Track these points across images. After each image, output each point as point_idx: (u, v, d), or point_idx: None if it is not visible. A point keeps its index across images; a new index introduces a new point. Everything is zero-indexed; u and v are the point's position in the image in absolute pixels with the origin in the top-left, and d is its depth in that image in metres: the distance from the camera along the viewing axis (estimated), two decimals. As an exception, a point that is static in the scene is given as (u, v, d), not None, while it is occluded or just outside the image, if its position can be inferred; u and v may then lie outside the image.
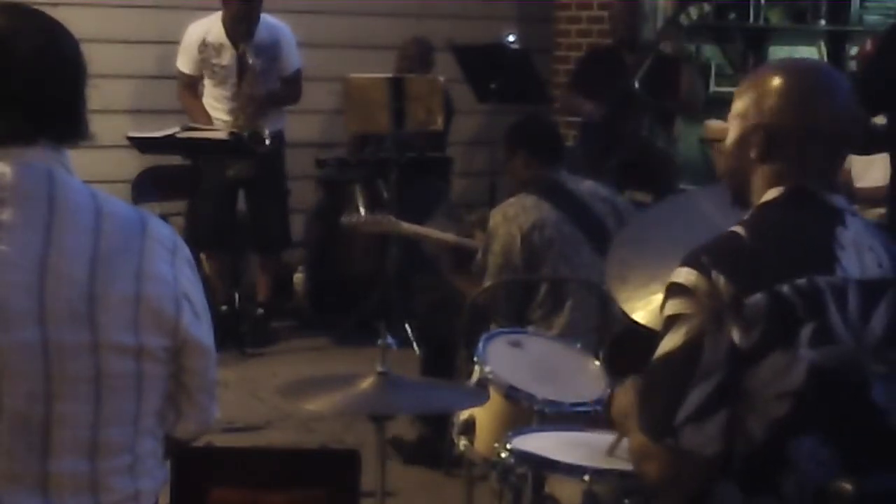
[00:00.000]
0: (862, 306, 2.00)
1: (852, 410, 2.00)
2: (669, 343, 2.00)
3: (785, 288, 1.96)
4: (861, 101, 2.31)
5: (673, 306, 2.01)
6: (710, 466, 1.98)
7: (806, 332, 1.96)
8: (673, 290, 2.02)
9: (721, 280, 1.96)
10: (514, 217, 4.14)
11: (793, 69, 2.19)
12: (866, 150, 4.76)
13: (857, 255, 2.04)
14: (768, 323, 1.94)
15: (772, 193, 2.10)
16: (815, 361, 1.96)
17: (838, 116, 2.10)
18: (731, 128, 2.17)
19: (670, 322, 2.01)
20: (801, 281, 1.97)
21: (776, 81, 2.11)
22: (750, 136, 2.11)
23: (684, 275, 2.01)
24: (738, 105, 2.15)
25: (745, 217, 2.11)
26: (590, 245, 4.05)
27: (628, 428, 2.23)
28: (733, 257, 2.00)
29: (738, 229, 2.06)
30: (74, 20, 2.07)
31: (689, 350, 1.97)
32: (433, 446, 4.42)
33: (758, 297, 1.95)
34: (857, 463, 1.98)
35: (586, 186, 4.31)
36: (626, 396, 2.32)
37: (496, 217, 4.20)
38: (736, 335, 1.94)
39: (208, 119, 6.19)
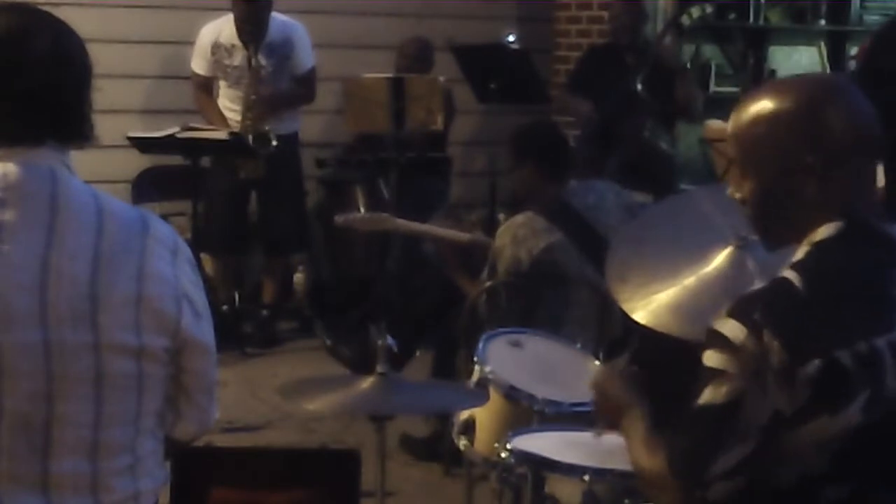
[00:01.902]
0: None
1: (892, 459, 1.90)
2: (709, 396, 1.86)
3: (844, 355, 1.80)
4: None
5: (715, 359, 1.85)
6: None
7: (860, 400, 1.82)
8: (717, 341, 1.86)
9: (774, 345, 1.80)
10: (523, 240, 4.05)
11: (814, 88, 1.97)
12: None
13: None
14: (820, 390, 1.80)
15: (826, 230, 1.91)
16: (863, 423, 1.83)
17: (870, 129, 1.94)
18: (750, 171, 1.96)
19: (711, 374, 1.86)
20: (862, 346, 1.81)
21: (812, 105, 1.91)
22: (795, 173, 1.91)
23: (732, 329, 1.84)
24: (761, 141, 1.94)
25: (800, 257, 1.91)
26: (593, 267, 3.99)
27: (617, 422, 2.19)
28: (789, 317, 1.83)
29: (793, 276, 1.87)
30: (75, 20, 2.07)
31: (730, 411, 1.83)
32: (445, 442, 4.39)
33: (812, 365, 1.79)
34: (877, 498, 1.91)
35: (593, 199, 4.18)
36: (615, 389, 2.24)
37: (504, 237, 4.10)
38: (781, 402, 1.81)
39: (223, 120, 6.19)
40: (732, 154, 2.00)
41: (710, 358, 1.87)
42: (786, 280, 1.87)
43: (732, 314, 1.86)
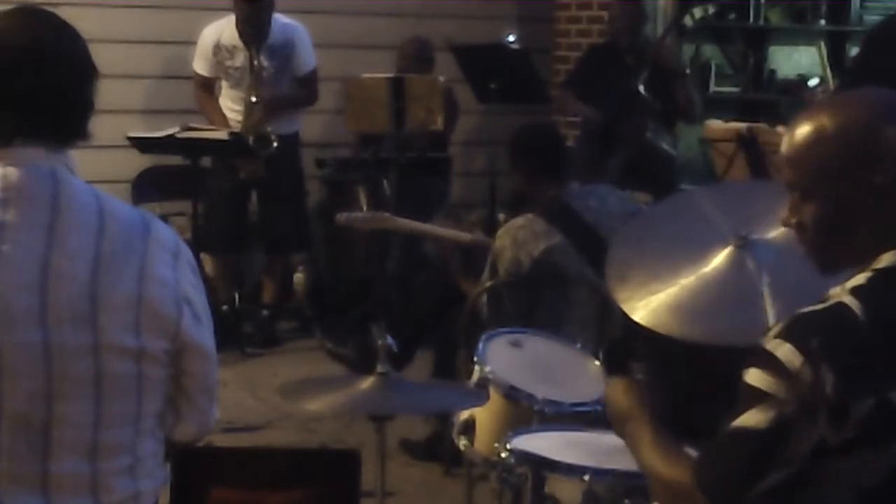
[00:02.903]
0: None
1: None
2: (753, 419, 1.79)
3: None
4: None
5: (763, 380, 1.78)
6: None
7: None
8: (766, 361, 1.79)
9: (829, 378, 1.74)
10: (523, 243, 4.04)
11: (872, 104, 1.90)
12: None
13: None
14: (867, 427, 1.76)
15: (891, 258, 1.84)
16: None
17: None
18: (813, 194, 1.89)
19: (756, 395, 1.79)
20: None
21: (875, 122, 1.85)
22: (862, 193, 1.84)
23: (787, 353, 1.77)
24: (824, 162, 1.87)
25: (861, 282, 1.83)
26: (593, 269, 3.98)
27: (627, 433, 2.18)
28: (847, 352, 1.76)
29: (853, 303, 1.79)
30: (75, 20, 2.06)
31: (775, 436, 1.78)
32: (445, 442, 4.39)
33: (866, 403, 1.75)
34: None
35: (595, 202, 4.17)
36: (621, 397, 2.23)
37: (504, 238, 4.09)
38: (828, 433, 1.76)
39: (224, 120, 6.19)
40: (789, 178, 1.93)
41: (757, 378, 1.80)
42: (846, 307, 1.80)
43: (788, 337, 1.79)
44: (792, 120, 1.96)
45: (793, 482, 1.80)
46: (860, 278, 1.84)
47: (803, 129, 1.90)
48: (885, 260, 1.85)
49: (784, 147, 1.95)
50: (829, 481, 1.80)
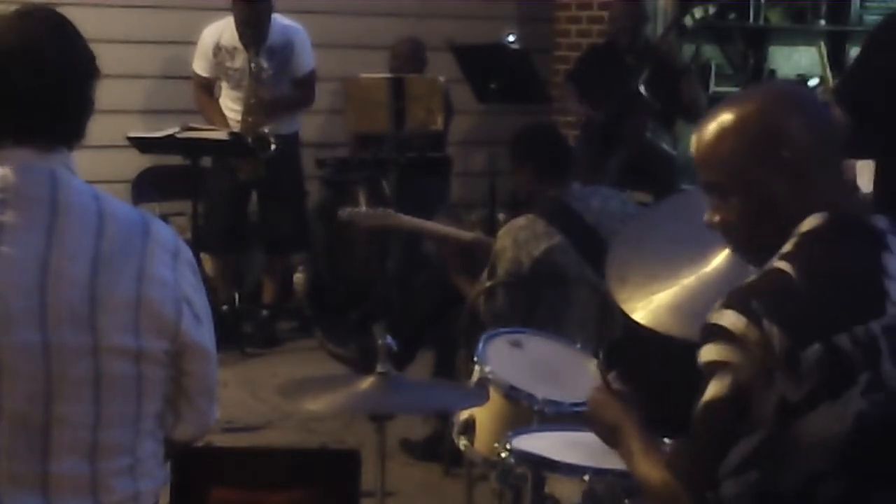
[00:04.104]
0: None
1: (890, 457, 1.88)
2: (712, 392, 1.85)
3: (842, 339, 1.82)
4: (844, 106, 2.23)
5: (716, 352, 1.85)
6: None
7: (861, 383, 1.83)
8: (716, 334, 1.86)
9: (774, 331, 1.80)
10: (524, 243, 4.06)
11: (765, 93, 2.07)
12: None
13: None
14: (822, 375, 1.81)
15: (812, 221, 1.92)
16: (863, 411, 1.83)
17: (830, 123, 2.02)
18: (731, 187, 1.97)
19: (713, 368, 1.86)
20: (859, 329, 1.83)
21: (771, 107, 1.96)
22: (775, 172, 1.93)
23: (730, 319, 1.84)
24: (733, 153, 1.95)
25: (789, 248, 1.92)
26: (593, 269, 3.99)
27: (618, 449, 2.17)
28: (787, 304, 1.84)
29: (785, 266, 1.88)
30: (75, 20, 2.06)
31: (736, 403, 1.83)
32: (445, 442, 4.39)
33: (814, 349, 1.81)
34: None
35: (596, 203, 4.19)
36: (605, 412, 2.23)
37: (505, 238, 4.11)
38: (787, 389, 1.81)
39: (224, 120, 6.19)
40: (704, 180, 2.02)
41: (710, 352, 1.87)
42: (779, 269, 1.89)
43: (729, 305, 1.86)
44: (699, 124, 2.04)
45: (767, 451, 1.84)
46: (787, 245, 1.92)
47: (707, 130, 2.00)
48: (807, 224, 1.92)
49: (693, 151, 2.03)
50: (800, 442, 1.83)
